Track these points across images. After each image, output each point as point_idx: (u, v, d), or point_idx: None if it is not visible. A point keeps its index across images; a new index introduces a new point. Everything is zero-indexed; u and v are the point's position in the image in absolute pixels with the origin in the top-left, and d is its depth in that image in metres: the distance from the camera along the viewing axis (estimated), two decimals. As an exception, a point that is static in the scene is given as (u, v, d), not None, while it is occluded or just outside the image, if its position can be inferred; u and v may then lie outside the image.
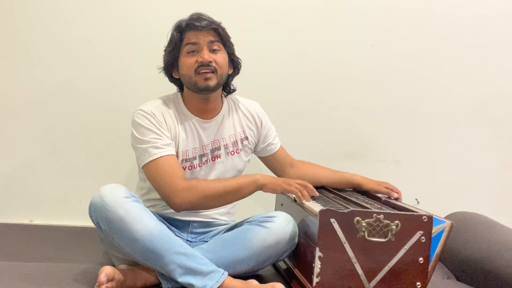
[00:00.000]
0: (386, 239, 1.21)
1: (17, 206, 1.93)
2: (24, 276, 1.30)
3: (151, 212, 1.31)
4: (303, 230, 1.35)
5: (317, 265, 1.19)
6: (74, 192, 1.92)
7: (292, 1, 1.91)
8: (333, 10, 1.93)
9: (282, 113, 1.90)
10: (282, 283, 1.26)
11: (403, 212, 1.24)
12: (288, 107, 1.94)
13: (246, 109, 1.57)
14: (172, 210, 1.39)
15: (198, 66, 1.40)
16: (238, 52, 1.51)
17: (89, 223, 1.33)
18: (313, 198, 1.45)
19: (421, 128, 1.98)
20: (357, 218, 1.20)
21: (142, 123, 1.40)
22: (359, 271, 1.21)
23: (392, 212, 1.24)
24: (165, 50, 1.49)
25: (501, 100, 1.97)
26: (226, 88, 1.54)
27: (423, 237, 1.21)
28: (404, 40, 1.94)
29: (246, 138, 1.55)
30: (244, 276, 1.30)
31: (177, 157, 1.44)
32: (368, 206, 1.34)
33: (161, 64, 1.50)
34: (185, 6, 1.54)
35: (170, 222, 1.45)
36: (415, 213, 1.24)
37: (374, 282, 1.21)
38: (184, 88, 1.50)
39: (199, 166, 1.48)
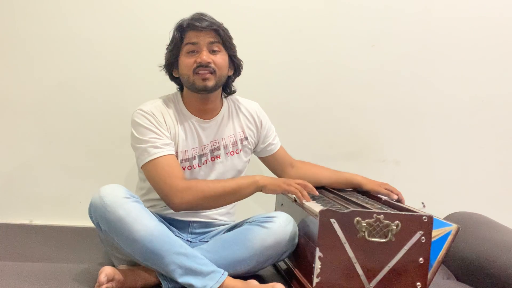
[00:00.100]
0: (386, 239, 1.21)
1: (17, 206, 1.93)
2: (24, 276, 1.30)
3: (151, 212, 1.31)
4: (303, 230, 1.35)
5: (317, 265, 1.19)
6: (74, 192, 1.92)
7: (291, 3, 1.91)
8: (332, 11, 1.93)
9: (282, 114, 1.90)
10: (282, 283, 1.25)
11: (403, 212, 1.24)
12: (288, 108, 1.94)
13: (246, 110, 1.57)
14: (172, 211, 1.39)
15: (197, 67, 1.40)
16: (238, 53, 1.50)
17: (89, 223, 1.33)
18: (313, 198, 1.45)
19: (421, 128, 1.98)
20: (357, 218, 1.20)
21: (142, 123, 1.40)
22: (359, 271, 1.21)
23: (392, 212, 1.24)
24: (167, 49, 1.49)
25: (501, 100, 1.97)
26: (227, 89, 1.54)
27: (423, 237, 1.21)
28: (404, 40, 1.94)
29: (246, 138, 1.55)
30: (244, 276, 1.30)
31: (177, 157, 1.44)
32: (368, 206, 1.34)
33: (162, 63, 1.51)
34: (184, 7, 1.54)
35: (170, 222, 1.45)
36: (415, 213, 1.24)
37: (374, 282, 1.21)
38: (184, 87, 1.50)
39: (199, 166, 1.48)
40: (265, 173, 1.69)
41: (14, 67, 1.90)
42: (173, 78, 1.52)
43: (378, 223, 1.21)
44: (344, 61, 1.95)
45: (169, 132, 1.43)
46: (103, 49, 1.90)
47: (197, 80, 1.41)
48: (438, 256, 1.28)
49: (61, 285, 1.26)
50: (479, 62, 1.96)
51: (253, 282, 1.27)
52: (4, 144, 1.92)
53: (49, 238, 1.72)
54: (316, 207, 1.29)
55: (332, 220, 1.19)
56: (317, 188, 1.59)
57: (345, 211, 1.20)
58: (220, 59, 1.43)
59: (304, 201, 1.37)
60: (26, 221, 1.92)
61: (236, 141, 1.53)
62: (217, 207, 1.46)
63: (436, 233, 1.27)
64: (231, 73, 1.51)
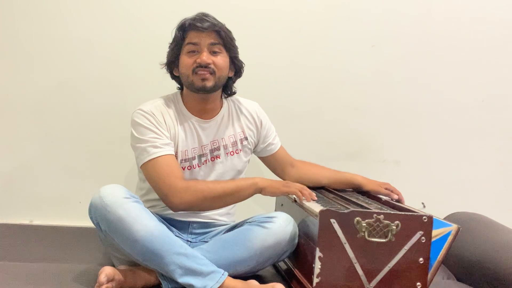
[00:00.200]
0: (386, 240, 1.21)
1: (17, 206, 1.93)
2: (24, 276, 1.30)
3: (151, 212, 1.31)
4: (303, 231, 1.35)
5: (317, 266, 1.19)
6: (74, 192, 1.92)
7: (292, 5, 1.91)
8: (332, 12, 1.93)
9: (283, 114, 1.90)
10: (282, 284, 1.26)
11: (403, 213, 1.24)
12: (288, 108, 1.94)
13: (245, 110, 1.57)
14: (172, 211, 1.39)
15: (196, 67, 1.40)
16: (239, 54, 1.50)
17: (89, 223, 1.33)
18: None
19: (421, 128, 1.98)
20: (357, 218, 1.20)
21: (141, 123, 1.40)
22: (359, 271, 1.21)
23: (392, 212, 1.24)
24: (169, 47, 1.49)
25: (501, 101, 1.97)
26: (227, 90, 1.54)
27: (423, 238, 1.21)
28: (404, 41, 1.94)
29: (246, 138, 1.55)
30: (244, 277, 1.30)
31: (176, 157, 1.44)
32: (368, 206, 1.34)
33: (162, 62, 1.51)
34: (184, 8, 1.54)
35: (170, 222, 1.45)
36: (415, 213, 1.24)
37: (374, 282, 1.21)
38: (184, 87, 1.51)
39: (198, 166, 1.47)
40: (265, 174, 1.69)
41: (15, 67, 1.90)
42: (173, 77, 1.53)
43: (378, 223, 1.20)
44: (344, 62, 1.94)
45: (169, 132, 1.43)
46: (103, 49, 1.90)
47: (196, 80, 1.41)
48: (438, 256, 1.28)
49: (61, 285, 1.27)
50: (479, 63, 1.96)
51: (253, 282, 1.27)
52: (4, 144, 1.92)
53: (49, 238, 1.72)
54: (316, 207, 1.29)
55: (332, 220, 1.19)
56: (317, 188, 1.59)
57: (345, 211, 1.20)
58: (221, 60, 1.43)
59: (304, 201, 1.37)
60: (26, 221, 1.92)
61: (236, 141, 1.53)
62: (216, 208, 1.47)
63: (436, 233, 1.27)
64: (231, 74, 1.51)
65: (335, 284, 1.20)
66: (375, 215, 1.21)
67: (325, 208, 1.21)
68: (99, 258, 1.51)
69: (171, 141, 1.42)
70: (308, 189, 1.41)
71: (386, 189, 1.57)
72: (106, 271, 1.22)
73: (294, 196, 1.43)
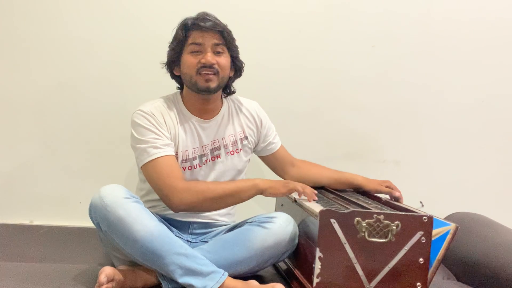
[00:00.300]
0: (386, 240, 1.21)
1: (17, 206, 1.93)
2: (24, 276, 1.30)
3: (151, 213, 1.31)
4: (303, 231, 1.35)
5: (317, 266, 1.19)
6: (74, 193, 1.92)
7: (292, 6, 1.91)
8: (332, 12, 1.93)
9: (283, 114, 1.90)
10: (282, 284, 1.26)
11: (403, 213, 1.23)
12: (289, 108, 1.94)
13: (245, 109, 1.57)
14: (172, 211, 1.39)
15: (201, 67, 1.40)
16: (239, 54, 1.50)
17: (89, 224, 1.33)
18: (313, 198, 1.45)
19: (421, 128, 1.98)
20: (357, 218, 1.20)
21: (142, 123, 1.40)
22: (359, 271, 1.21)
23: (392, 212, 1.24)
24: (169, 46, 1.49)
25: (501, 101, 1.97)
26: (226, 89, 1.54)
27: (423, 238, 1.21)
28: (404, 41, 1.94)
29: (246, 137, 1.55)
30: (244, 277, 1.30)
31: (177, 157, 1.44)
32: (368, 206, 1.34)
33: (163, 62, 1.50)
34: (184, 8, 1.54)
35: (170, 223, 1.45)
36: (415, 214, 1.24)
37: (374, 282, 1.21)
38: (184, 87, 1.50)
39: (199, 166, 1.47)
40: (266, 173, 1.70)
41: (14, 67, 1.90)
42: (173, 77, 1.52)
43: (378, 223, 1.20)
44: (344, 62, 1.95)
45: (169, 133, 1.43)
46: (103, 49, 1.90)
47: (200, 81, 1.41)
48: (438, 255, 1.28)
49: (61, 285, 1.26)
50: (479, 63, 1.96)
51: (253, 282, 1.27)
52: (4, 144, 1.92)
53: (49, 238, 1.72)
54: (316, 207, 1.29)
55: (332, 220, 1.19)
56: (317, 188, 1.59)
57: (345, 211, 1.20)
58: (224, 60, 1.43)
59: (304, 202, 1.37)
60: (26, 221, 1.93)
61: (236, 140, 1.53)
62: (216, 209, 1.47)
63: (434, 232, 1.27)
64: (232, 74, 1.51)
65: (335, 284, 1.20)
66: (375, 215, 1.21)
67: (325, 208, 1.21)
68: (99, 258, 1.51)
69: (171, 141, 1.42)
70: (310, 188, 1.41)
71: (387, 187, 1.57)
72: (106, 271, 1.22)
73: (294, 196, 1.43)
